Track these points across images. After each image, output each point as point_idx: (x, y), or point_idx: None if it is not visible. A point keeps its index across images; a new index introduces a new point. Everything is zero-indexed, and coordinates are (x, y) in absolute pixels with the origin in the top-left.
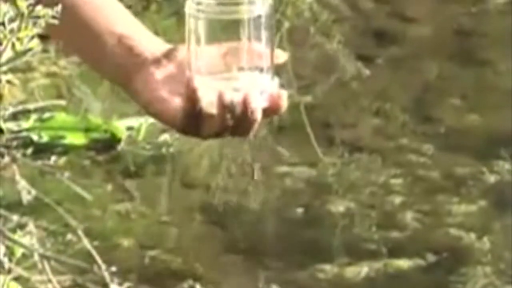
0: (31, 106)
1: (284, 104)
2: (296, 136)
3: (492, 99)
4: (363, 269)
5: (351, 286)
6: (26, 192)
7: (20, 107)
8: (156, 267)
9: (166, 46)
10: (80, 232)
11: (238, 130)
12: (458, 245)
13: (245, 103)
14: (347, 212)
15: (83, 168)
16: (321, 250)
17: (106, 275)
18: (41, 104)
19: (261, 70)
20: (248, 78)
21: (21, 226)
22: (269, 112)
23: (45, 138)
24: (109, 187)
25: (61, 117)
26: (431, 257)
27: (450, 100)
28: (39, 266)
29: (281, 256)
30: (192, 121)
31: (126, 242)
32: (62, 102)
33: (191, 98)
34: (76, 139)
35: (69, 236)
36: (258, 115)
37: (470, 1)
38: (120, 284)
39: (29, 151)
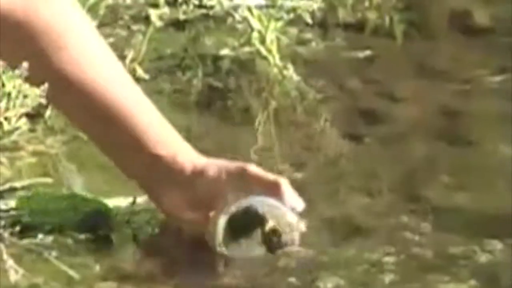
0: (17, 184)
1: None
2: None
3: (481, 178)
4: None
5: None
6: (14, 271)
7: (7, 186)
8: None
9: (199, 161)
10: None
11: None
12: None
13: None
14: None
15: (70, 247)
16: None
17: None
18: (28, 182)
19: None
20: None
21: None
22: None
23: (32, 217)
24: (97, 266)
25: (48, 196)
26: None
27: (438, 178)
28: None
29: None
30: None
31: None
32: (49, 180)
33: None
34: (63, 217)
35: None
36: None
37: (463, 80)
38: None
39: (16, 230)
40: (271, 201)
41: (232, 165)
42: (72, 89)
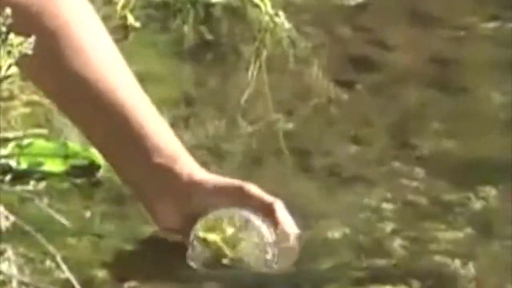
0: (10, 134)
1: None
2: (277, 163)
3: (473, 125)
4: None
5: None
6: (5, 219)
7: (0, 136)
8: None
9: (197, 173)
10: (59, 260)
11: None
12: (443, 271)
13: None
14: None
15: (62, 195)
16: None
17: None
18: (21, 132)
19: None
20: None
21: (0, 253)
22: None
23: (23, 165)
24: (88, 213)
25: (40, 144)
26: (416, 284)
27: (430, 126)
28: None
29: None
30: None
31: (101, 273)
32: (43, 131)
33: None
34: (55, 165)
35: (48, 263)
36: None
37: (455, 27)
38: None
39: (8, 178)
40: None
41: (230, 181)
42: (80, 89)
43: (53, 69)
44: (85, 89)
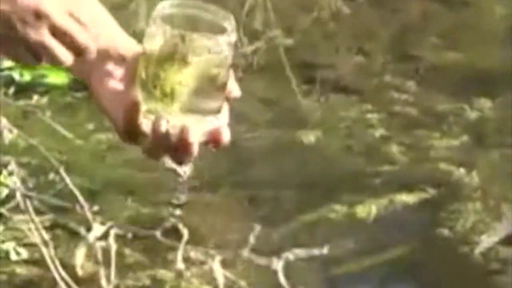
0: None
1: (225, 139)
2: (276, 76)
3: (472, 38)
4: (372, 207)
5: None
6: (8, 131)
7: None
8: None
9: (134, 48)
10: (62, 172)
11: (173, 157)
12: (449, 180)
13: (181, 137)
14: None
15: (65, 107)
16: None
17: (89, 214)
18: None
19: (207, 112)
20: (191, 119)
21: (4, 165)
22: (209, 144)
23: (27, 78)
24: (90, 125)
25: None
26: (432, 191)
27: (430, 38)
28: (22, 205)
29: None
30: (130, 133)
31: (104, 186)
32: None
33: (132, 109)
34: (57, 78)
35: (51, 176)
36: (195, 149)
37: None
38: (102, 223)
39: (11, 90)
40: None
41: None
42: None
43: None
44: None
